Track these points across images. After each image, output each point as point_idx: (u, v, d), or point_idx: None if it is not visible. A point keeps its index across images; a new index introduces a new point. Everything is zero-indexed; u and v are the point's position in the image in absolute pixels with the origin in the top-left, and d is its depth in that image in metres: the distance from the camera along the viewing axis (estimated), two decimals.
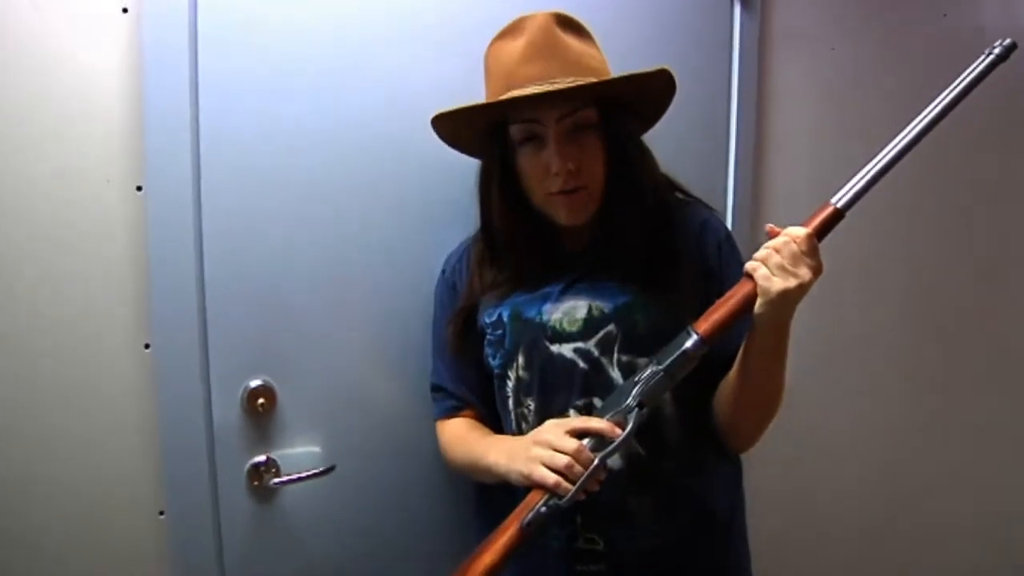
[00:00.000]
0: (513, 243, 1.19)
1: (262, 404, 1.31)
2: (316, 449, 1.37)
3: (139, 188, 1.20)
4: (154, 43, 1.17)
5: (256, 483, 1.32)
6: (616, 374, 1.12)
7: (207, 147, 1.23)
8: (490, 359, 1.21)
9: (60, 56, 1.14)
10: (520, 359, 1.16)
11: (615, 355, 1.12)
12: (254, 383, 1.31)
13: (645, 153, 1.20)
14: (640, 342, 1.11)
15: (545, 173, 1.10)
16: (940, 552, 2.15)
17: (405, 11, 1.36)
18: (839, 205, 0.99)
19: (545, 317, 1.15)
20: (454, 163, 1.37)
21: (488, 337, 1.21)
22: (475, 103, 1.11)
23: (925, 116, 1.00)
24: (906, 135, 1.00)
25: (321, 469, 1.34)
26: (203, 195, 1.23)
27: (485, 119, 1.13)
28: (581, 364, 1.13)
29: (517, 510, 0.99)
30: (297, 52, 1.29)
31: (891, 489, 2.05)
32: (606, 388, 1.10)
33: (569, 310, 1.15)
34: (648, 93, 1.14)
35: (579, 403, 1.13)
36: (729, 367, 1.10)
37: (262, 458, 1.33)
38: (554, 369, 1.14)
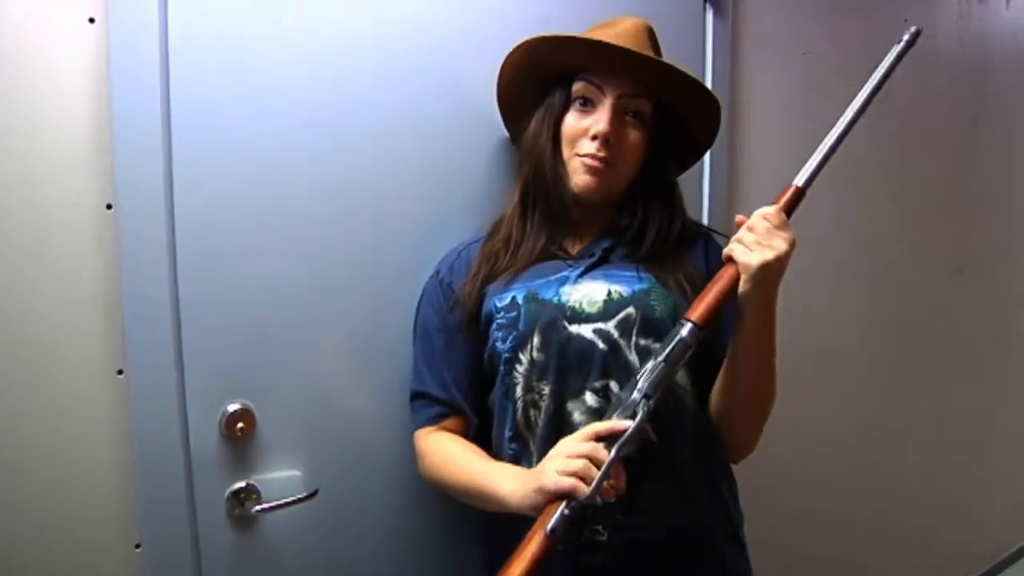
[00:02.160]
0: (556, 191, 1.21)
1: (241, 428, 1.25)
2: (297, 473, 1.32)
3: (109, 206, 1.14)
4: (122, 55, 1.11)
5: (236, 511, 1.26)
6: (633, 357, 1.14)
7: (180, 163, 1.17)
8: (499, 343, 1.19)
9: (20, 68, 1.07)
10: (535, 340, 1.16)
11: (633, 338, 1.14)
12: (232, 407, 1.25)
13: (674, 172, 1.32)
14: (657, 327, 1.14)
15: (582, 135, 1.17)
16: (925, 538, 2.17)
17: (387, 18, 1.33)
18: (799, 184, 1.08)
19: (564, 298, 1.16)
20: (439, 178, 1.39)
21: (498, 321, 1.20)
22: (575, 35, 1.18)
23: (859, 99, 1.13)
24: (846, 118, 1.12)
25: (304, 495, 1.29)
26: (176, 213, 1.17)
27: (564, 62, 1.20)
28: (600, 345, 1.14)
29: (540, 519, 0.97)
30: (275, 63, 1.24)
31: (870, 484, 2.08)
32: (623, 371, 1.12)
33: (588, 292, 1.16)
34: (694, 125, 1.27)
35: (596, 385, 1.14)
36: None
37: (242, 484, 1.27)
38: (572, 350, 1.14)
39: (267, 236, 1.26)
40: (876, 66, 1.15)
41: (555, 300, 1.17)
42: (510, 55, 1.24)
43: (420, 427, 1.28)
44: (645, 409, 1.00)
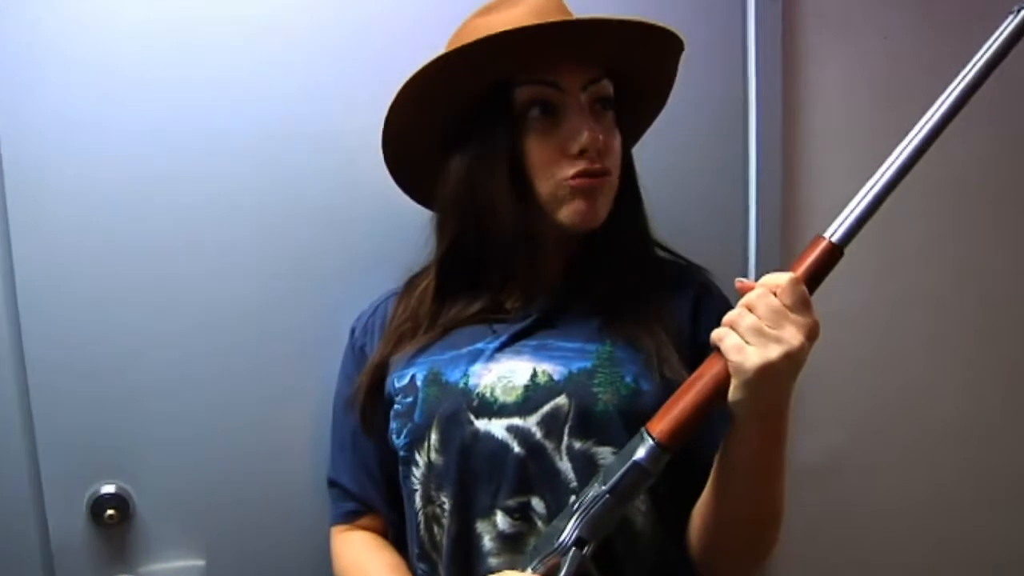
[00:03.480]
0: (524, 247, 0.92)
1: (111, 515, 1.07)
2: (200, 563, 1.13)
3: None
4: None
5: None
6: (565, 465, 0.87)
7: (13, 190, 1.01)
8: (394, 437, 0.95)
9: None
10: (433, 437, 0.90)
11: (565, 439, 0.87)
12: (104, 489, 1.08)
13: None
14: (601, 425, 0.87)
15: (560, 154, 0.88)
16: None
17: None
18: (835, 239, 0.76)
19: (472, 381, 0.90)
20: (353, 208, 1.16)
21: (395, 407, 0.95)
22: (482, 35, 0.84)
23: (937, 110, 0.77)
24: (911, 139, 0.77)
25: None
26: (15, 256, 1.02)
27: (488, 75, 0.88)
28: (516, 448, 0.87)
29: None
30: (132, 55, 1.05)
31: None
32: (550, 484, 0.87)
33: (506, 374, 0.90)
34: (652, 82, 0.98)
35: (510, 503, 0.87)
36: None
37: None
38: (478, 453, 0.88)
39: (136, 283, 1.08)
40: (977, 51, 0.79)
41: (460, 383, 0.90)
42: (409, 86, 0.91)
43: (334, 524, 1.08)
44: (572, 564, 0.75)
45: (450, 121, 0.92)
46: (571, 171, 0.87)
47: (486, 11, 0.92)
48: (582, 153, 0.87)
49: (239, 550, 1.14)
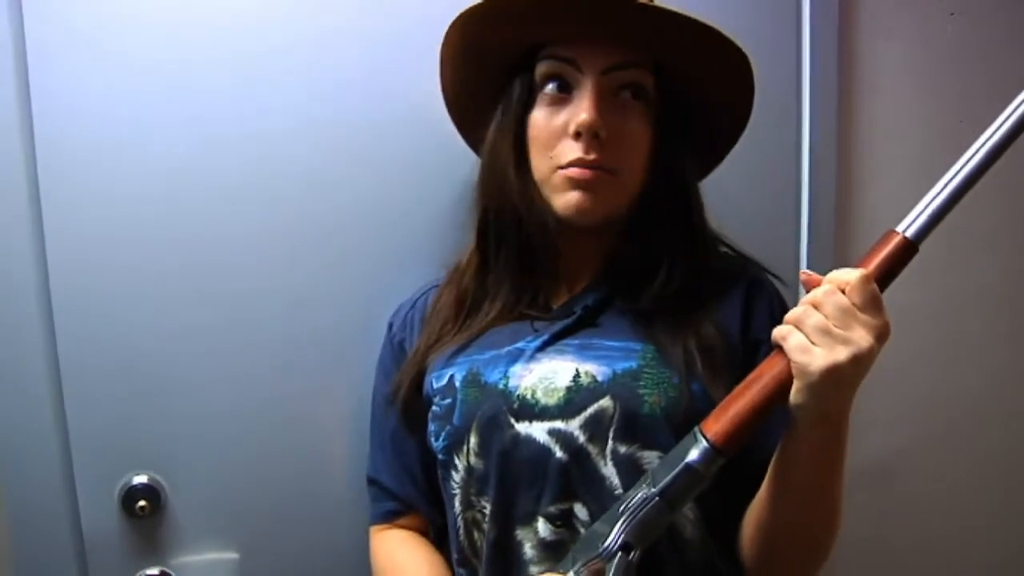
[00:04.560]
0: (538, 231, 0.90)
1: (143, 506, 1.06)
2: (234, 556, 1.12)
3: None
4: None
5: None
6: (609, 471, 0.84)
7: (48, 192, 1.00)
8: (433, 439, 0.93)
9: None
10: (472, 441, 0.87)
11: (609, 443, 0.83)
12: (136, 480, 1.07)
13: (694, 176, 0.94)
14: (647, 429, 0.83)
15: (560, 135, 0.86)
16: None
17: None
18: (909, 234, 0.71)
19: (512, 382, 0.87)
20: (393, 195, 1.14)
21: (433, 408, 0.93)
22: None
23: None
24: (999, 127, 0.71)
25: None
26: (49, 250, 1.01)
27: (518, 36, 0.88)
28: (558, 453, 0.84)
29: None
30: (167, 60, 1.04)
31: None
32: (594, 490, 0.84)
33: (547, 374, 0.86)
34: (711, 98, 0.92)
35: (552, 510, 0.84)
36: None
37: (154, 572, 1.09)
38: (519, 457, 0.85)
39: (169, 272, 1.06)
40: None
41: (500, 384, 0.87)
42: (445, 39, 0.92)
43: (373, 523, 1.06)
44: (619, 568, 0.72)
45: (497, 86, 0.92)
46: (567, 155, 0.85)
47: None
48: (578, 136, 0.84)
49: (274, 544, 1.13)
